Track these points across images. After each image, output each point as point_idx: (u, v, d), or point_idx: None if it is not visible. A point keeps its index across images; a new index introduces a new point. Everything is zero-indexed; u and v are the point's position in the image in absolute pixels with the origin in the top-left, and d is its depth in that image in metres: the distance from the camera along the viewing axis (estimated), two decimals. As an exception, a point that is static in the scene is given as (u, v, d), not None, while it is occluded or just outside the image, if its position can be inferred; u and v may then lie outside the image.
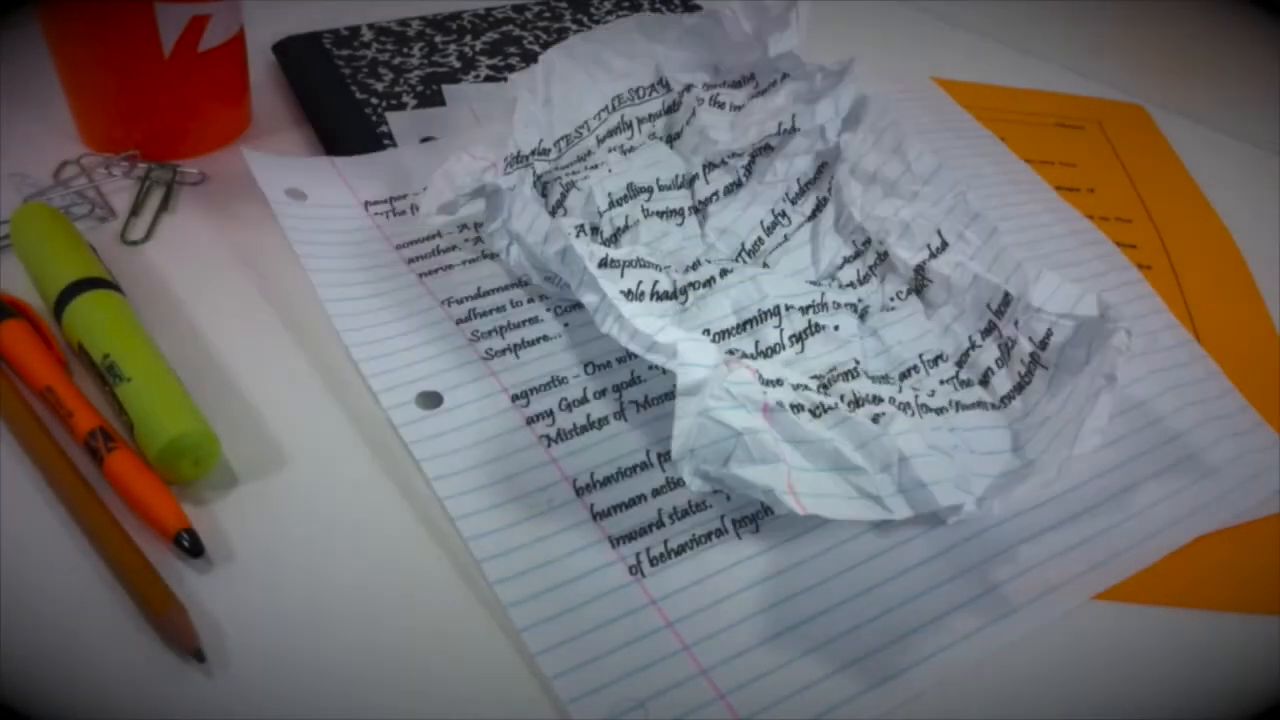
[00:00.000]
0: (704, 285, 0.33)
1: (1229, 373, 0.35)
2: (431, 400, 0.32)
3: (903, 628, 0.27)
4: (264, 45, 0.50)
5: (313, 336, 0.35)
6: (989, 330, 0.33)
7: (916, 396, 0.31)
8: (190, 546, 0.28)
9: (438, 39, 0.51)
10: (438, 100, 0.46)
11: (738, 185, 0.38)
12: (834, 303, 0.34)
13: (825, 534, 0.29)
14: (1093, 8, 0.54)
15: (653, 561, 0.28)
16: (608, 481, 0.30)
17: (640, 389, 0.33)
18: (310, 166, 0.40)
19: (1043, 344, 0.31)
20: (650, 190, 0.37)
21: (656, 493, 0.30)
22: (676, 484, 0.30)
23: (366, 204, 0.39)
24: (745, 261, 0.37)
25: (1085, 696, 0.27)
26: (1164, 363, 0.35)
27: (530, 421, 0.32)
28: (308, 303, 0.37)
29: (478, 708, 0.25)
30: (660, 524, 0.29)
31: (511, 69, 0.49)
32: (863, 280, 0.36)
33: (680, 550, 0.29)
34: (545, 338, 0.34)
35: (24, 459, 0.30)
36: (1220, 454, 0.32)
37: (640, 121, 0.41)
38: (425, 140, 0.43)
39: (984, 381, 0.32)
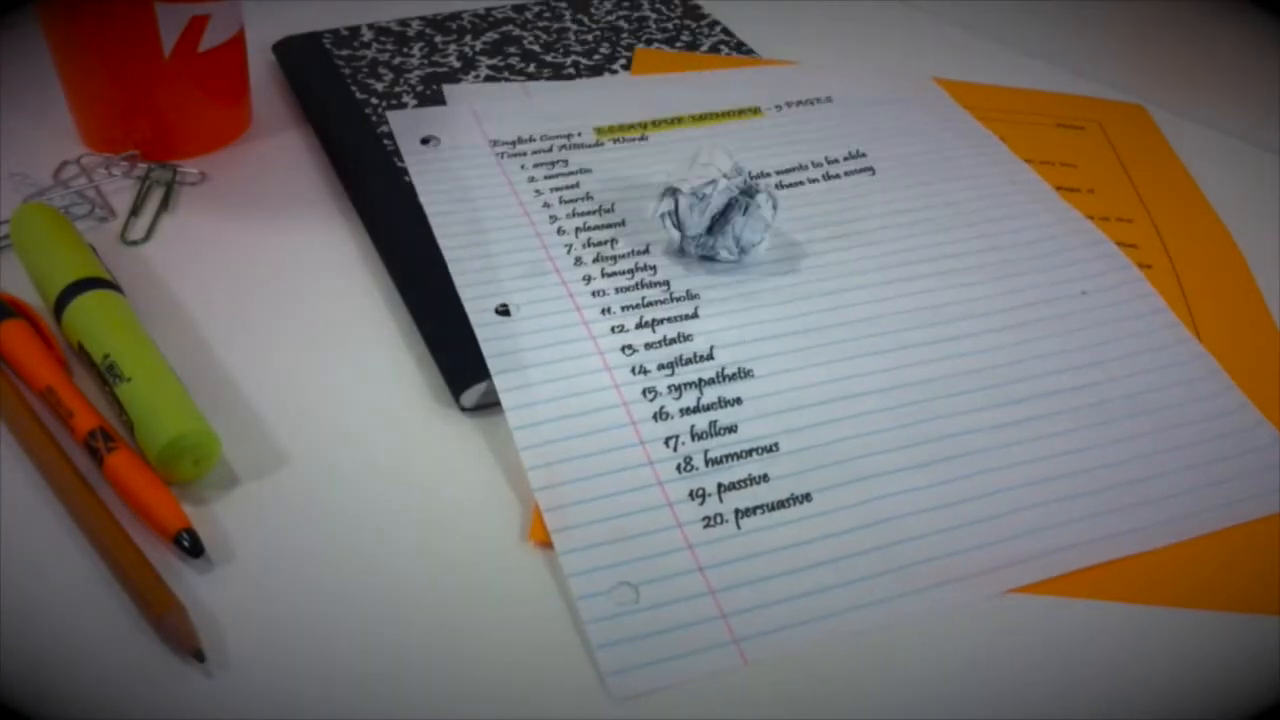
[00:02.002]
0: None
1: (1229, 372, 0.35)
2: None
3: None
4: (264, 45, 0.50)
5: (313, 336, 0.35)
6: None
7: None
8: (190, 546, 0.28)
9: (438, 39, 0.51)
10: (438, 100, 0.46)
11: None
12: None
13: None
14: (1094, 8, 0.54)
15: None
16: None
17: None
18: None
19: None
20: None
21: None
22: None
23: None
24: None
25: (1081, 696, 0.27)
26: (1164, 361, 0.36)
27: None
28: (307, 302, 0.37)
29: (479, 707, 0.25)
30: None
31: (511, 69, 0.49)
32: None
33: None
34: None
35: (24, 459, 0.30)
36: (1219, 451, 0.33)
37: None
38: (426, 141, 0.43)
39: None
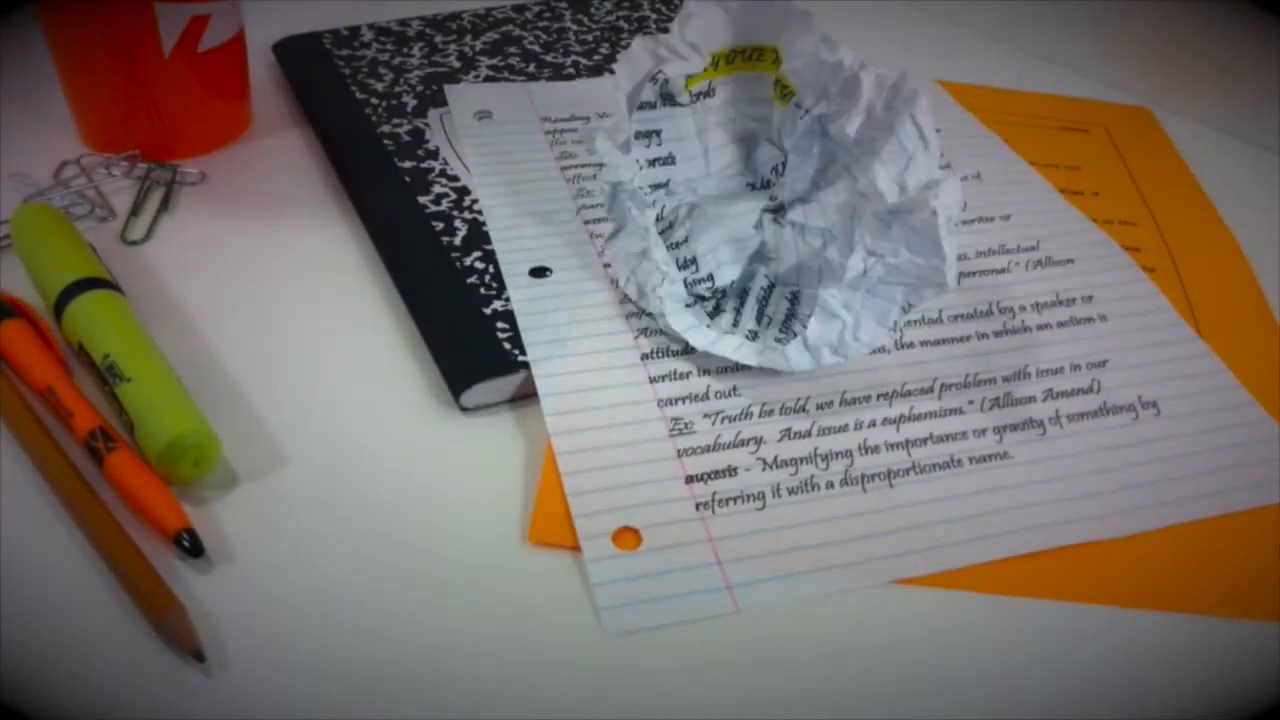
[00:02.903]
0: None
1: (1232, 371, 0.35)
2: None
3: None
4: (264, 45, 0.50)
5: (313, 336, 0.35)
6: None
7: None
8: (190, 546, 0.28)
9: (438, 39, 0.51)
10: (440, 101, 0.46)
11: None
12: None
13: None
14: (1097, 8, 0.54)
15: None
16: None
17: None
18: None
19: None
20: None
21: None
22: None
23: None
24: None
25: (1068, 703, 0.27)
26: (1167, 356, 0.36)
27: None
28: (307, 302, 0.37)
29: (479, 708, 0.25)
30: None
31: (512, 69, 0.49)
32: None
33: None
34: None
35: (24, 459, 0.30)
36: (1220, 443, 0.33)
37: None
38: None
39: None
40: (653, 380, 0.33)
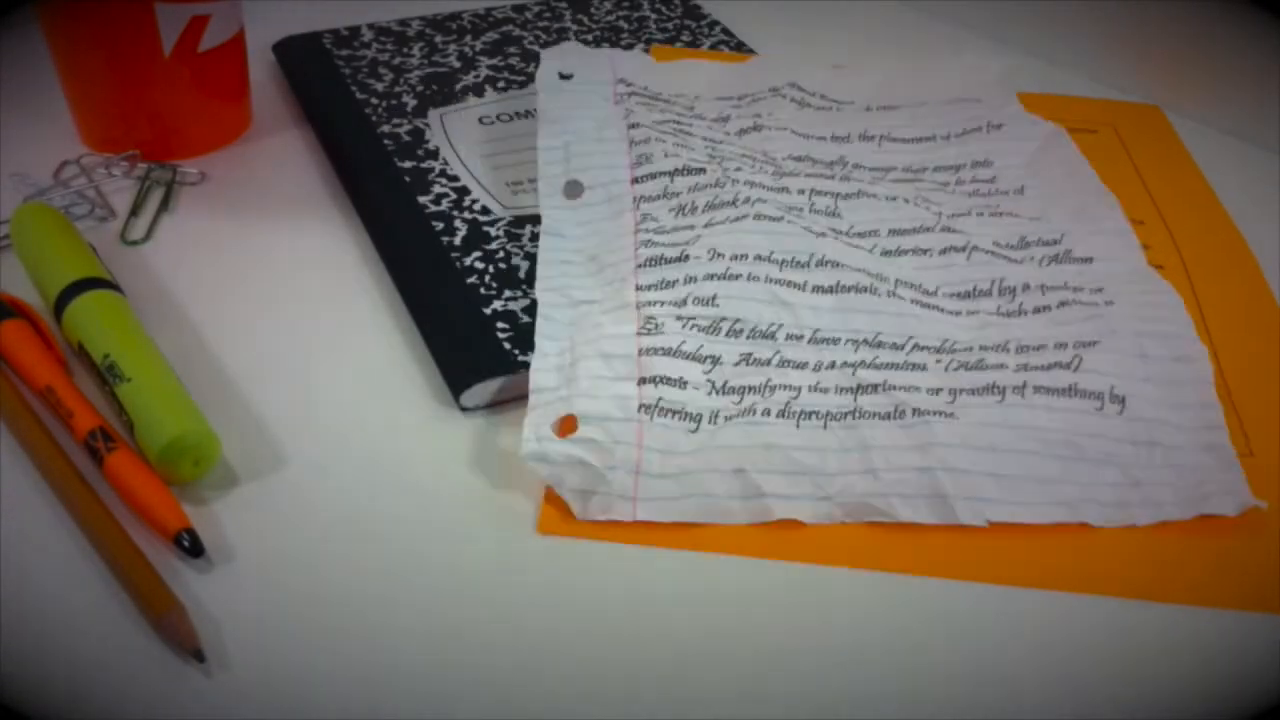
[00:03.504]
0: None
1: (1240, 375, 0.35)
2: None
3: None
4: (264, 45, 0.50)
5: (313, 336, 0.35)
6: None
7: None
8: (190, 546, 0.28)
9: (438, 39, 0.51)
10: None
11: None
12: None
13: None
14: (1102, 10, 0.53)
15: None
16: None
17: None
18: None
19: None
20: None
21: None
22: None
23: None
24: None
25: (1073, 696, 0.27)
26: (1156, 354, 0.35)
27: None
28: (307, 302, 0.37)
29: (482, 708, 0.25)
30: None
31: (512, 69, 0.49)
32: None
33: None
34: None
35: (24, 459, 0.30)
36: (1170, 460, 0.32)
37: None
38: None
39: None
40: (638, 288, 0.34)
